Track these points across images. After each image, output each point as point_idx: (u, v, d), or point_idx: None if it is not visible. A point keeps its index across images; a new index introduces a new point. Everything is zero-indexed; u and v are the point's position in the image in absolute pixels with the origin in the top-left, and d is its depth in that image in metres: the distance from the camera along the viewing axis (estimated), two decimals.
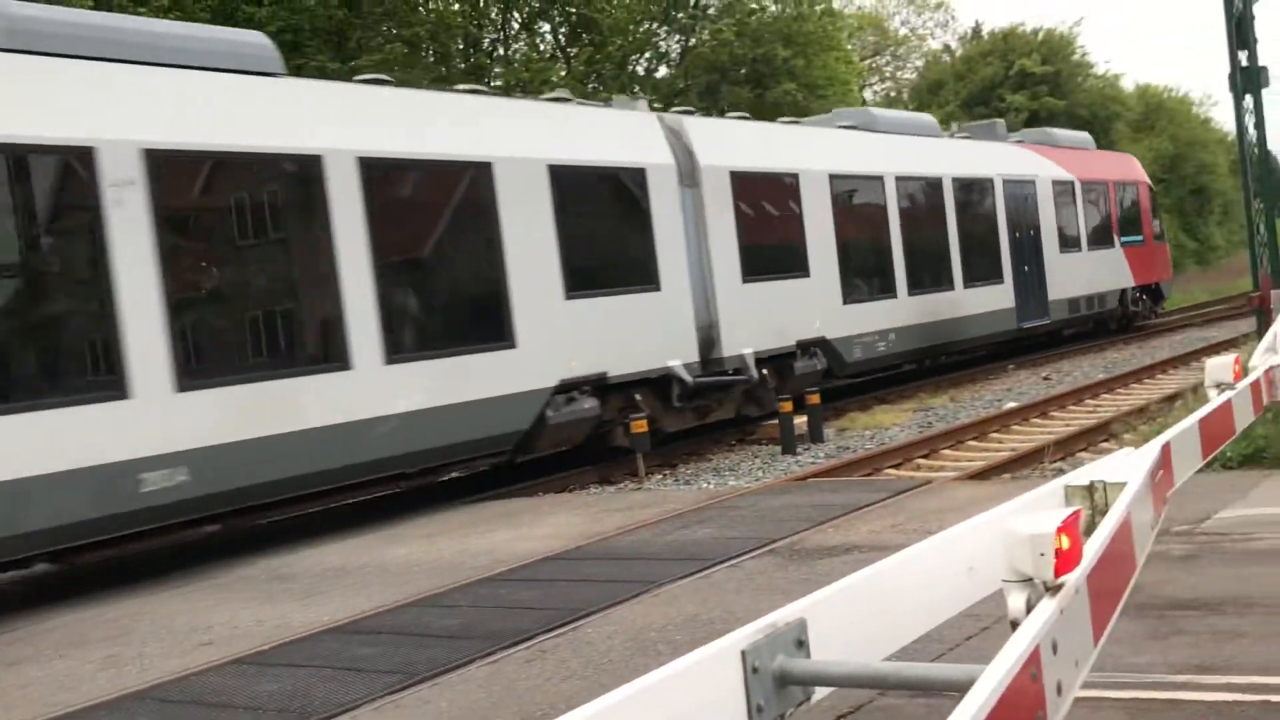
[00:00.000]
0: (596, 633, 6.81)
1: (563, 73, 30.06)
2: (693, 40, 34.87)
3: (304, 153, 11.29)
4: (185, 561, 10.89)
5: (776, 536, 8.92)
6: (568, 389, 13.57)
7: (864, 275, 19.04)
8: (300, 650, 7.22)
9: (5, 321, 9.49)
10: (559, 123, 14.53)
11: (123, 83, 10.35)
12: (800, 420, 15.64)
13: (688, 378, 15.14)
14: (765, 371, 16.55)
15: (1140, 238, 28.66)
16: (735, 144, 17.14)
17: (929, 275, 20.58)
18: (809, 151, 18.46)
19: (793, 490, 11.33)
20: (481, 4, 29.83)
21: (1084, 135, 29.91)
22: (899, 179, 20.06)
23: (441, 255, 12.82)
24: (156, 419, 9.98)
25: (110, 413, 9.71)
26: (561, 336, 13.50)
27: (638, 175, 14.91)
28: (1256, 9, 15.33)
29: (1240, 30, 14.98)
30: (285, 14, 23.05)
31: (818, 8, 35.45)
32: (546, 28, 32.59)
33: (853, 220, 18.96)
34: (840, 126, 20.42)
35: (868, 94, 55.95)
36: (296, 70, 17.86)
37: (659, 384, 14.96)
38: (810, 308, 17.60)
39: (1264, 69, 15.42)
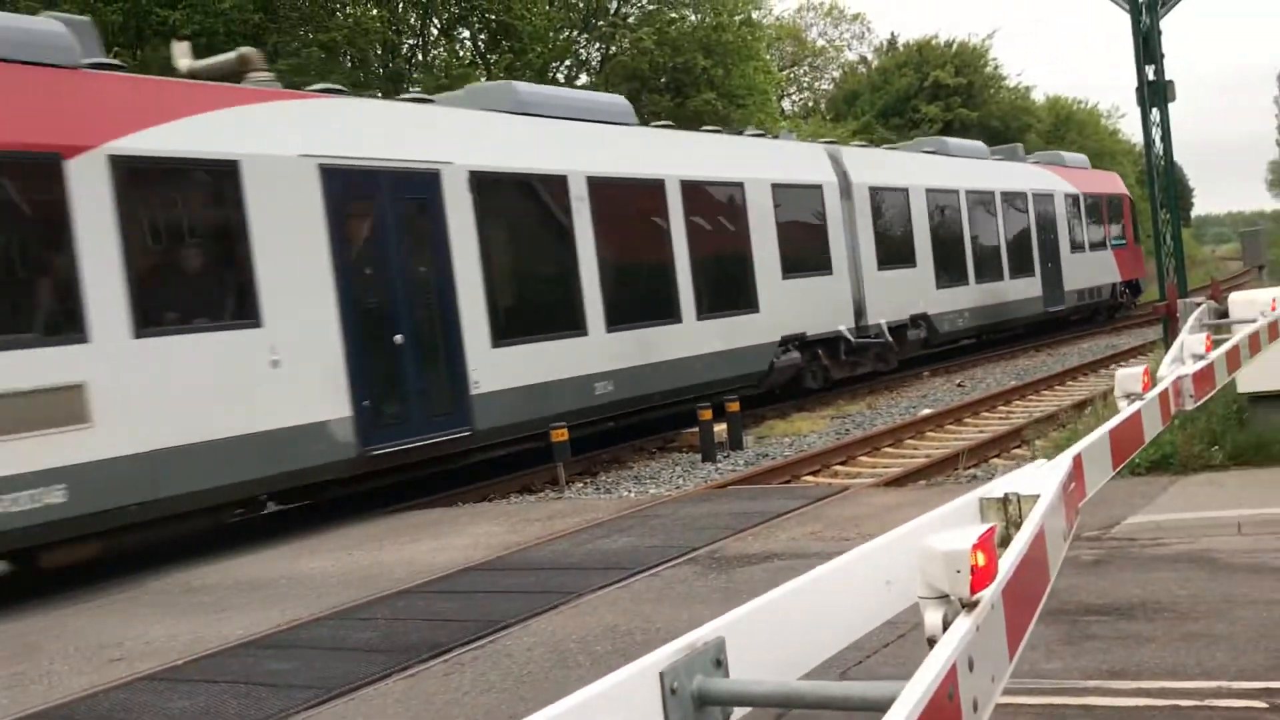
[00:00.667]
0: (516, 645, 6.75)
1: (483, 79, 29.90)
2: (613, 48, 34.91)
3: (654, 177, 16.62)
4: (95, 575, 10.62)
5: (696, 545, 8.92)
6: (784, 343, 18.91)
7: (947, 267, 24.37)
8: (213, 665, 7.08)
9: (530, 286, 14.91)
10: (769, 151, 20.14)
11: (571, 132, 15.66)
12: (720, 428, 15.69)
13: (851, 338, 20.61)
14: (890, 338, 21.80)
15: (1124, 241, 33.99)
16: (871, 165, 22.51)
17: (987, 268, 26.01)
18: (913, 171, 23.99)
19: (712, 498, 11.35)
20: (400, 9, 29.57)
21: (1082, 157, 35.85)
22: (967, 192, 25.56)
23: (719, 247, 17.90)
24: (599, 349, 15.33)
25: (578, 344, 15.06)
26: (781, 306, 18.83)
27: (817, 190, 20.38)
28: (1162, 24, 15.65)
29: (1147, 46, 15.27)
30: (200, 17, 22.66)
31: (736, 18, 35.64)
32: (466, 34, 32.42)
33: (941, 224, 24.36)
34: (925, 151, 26.24)
35: (785, 104, 56.47)
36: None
37: (831, 343, 20.36)
38: (917, 291, 23.08)
39: (1170, 83, 15.70)
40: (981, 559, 2.06)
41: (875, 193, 21.96)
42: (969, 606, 2.06)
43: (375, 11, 28.25)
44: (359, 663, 6.71)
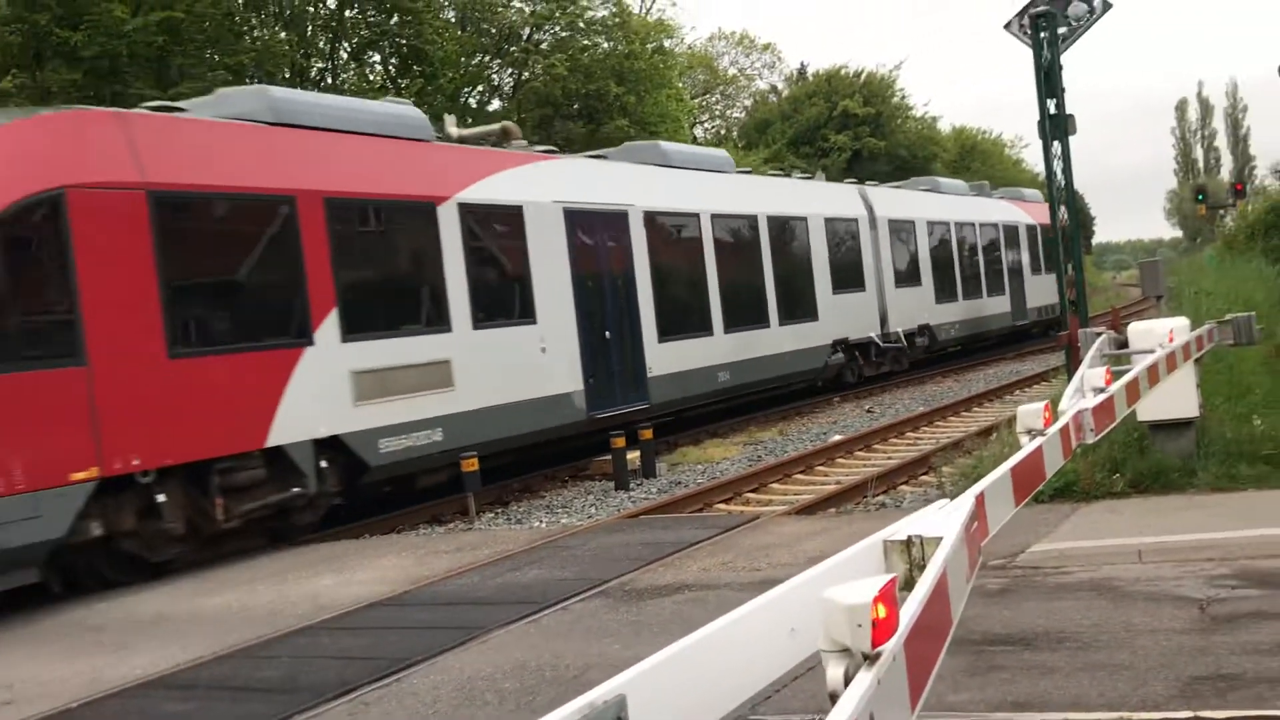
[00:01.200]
0: (422, 683, 6.64)
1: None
2: (526, 74, 34.88)
3: (750, 214, 21.50)
4: None
5: (607, 577, 8.87)
6: (834, 346, 23.59)
7: (942, 286, 29.06)
8: (110, 708, 6.87)
9: (679, 296, 19.27)
10: (820, 191, 25.16)
11: (697, 179, 20.56)
12: (633, 455, 15.66)
13: (880, 343, 25.45)
14: (905, 343, 26.68)
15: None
16: (889, 201, 27.43)
17: (971, 287, 30.90)
18: (917, 206, 29.01)
19: (625, 528, 11.29)
20: (309, 33, 29.28)
21: (1036, 192, 40.67)
22: (956, 223, 30.51)
23: (792, 267, 22.62)
24: (720, 346, 19.84)
25: (706, 342, 19.54)
26: (832, 316, 23.60)
27: (854, 222, 25.29)
28: (1064, 59, 16.01)
29: (1049, 80, 15.61)
30: (103, 39, 22.18)
31: (649, 46, 35.86)
32: (377, 58, 32.19)
33: (937, 249, 29.19)
34: (922, 189, 31.20)
35: (698, 131, 56.84)
36: (114, 98, 18.49)
37: (865, 346, 25.09)
38: (923, 305, 27.89)
39: (1071, 117, 16.03)
40: (883, 611, 2.05)
41: (894, 224, 26.89)
42: (871, 660, 2.05)
43: (284, 35, 27.93)
44: (261, 703, 6.54)
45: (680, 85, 45.91)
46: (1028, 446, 4.32)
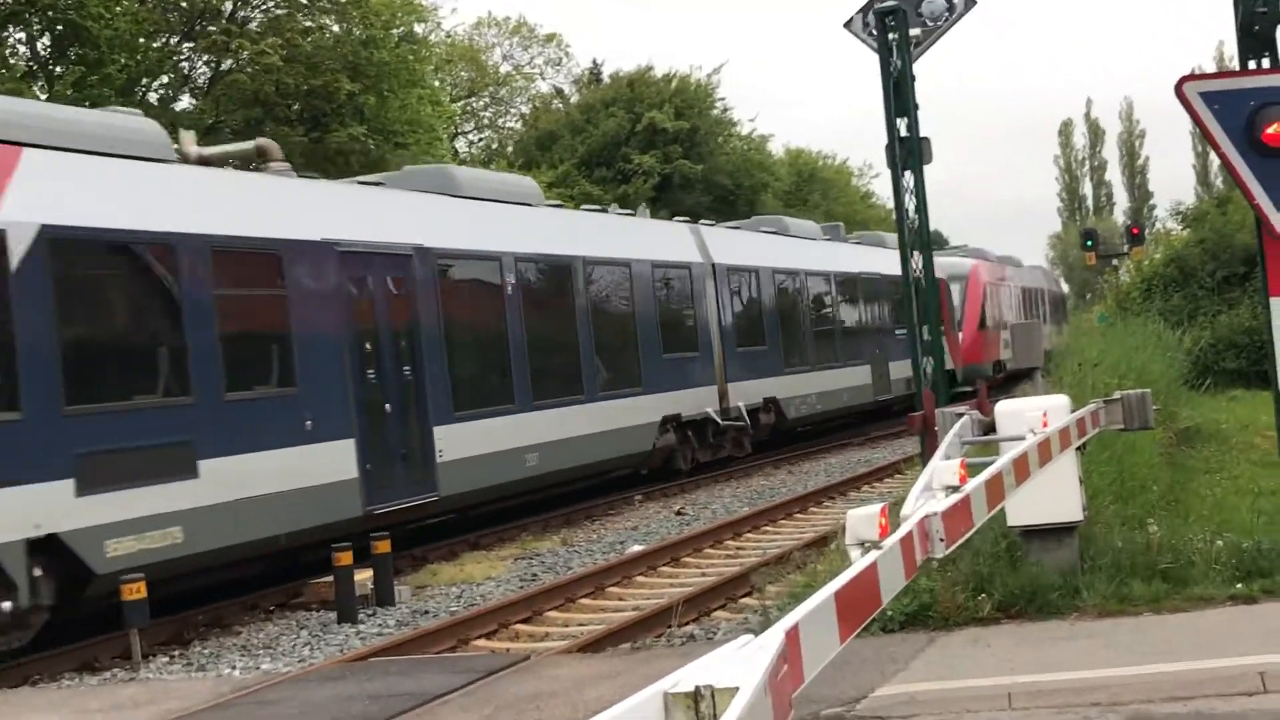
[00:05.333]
0: None
1: (43, 96, 28.88)
2: (228, 63, 34.41)
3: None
4: None
5: None
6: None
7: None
8: None
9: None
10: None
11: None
12: (364, 575, 15.37)
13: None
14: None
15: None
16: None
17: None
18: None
19: (348, 675, 11.14)
20: None
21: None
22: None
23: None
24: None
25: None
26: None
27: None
28: (919, 68, 16.27)
29: (899, 94, 15.86)
30: None
31: (394, 32, 35.86)
32: (21, 37, 31.32)
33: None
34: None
35: (460, 144, 57.00)
36: None
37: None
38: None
39: (925, 140, 16.17)
40: None
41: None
42: None
43: None
44: None
45: (437, 84, 46.01)
46: (858, 563, 4.41)
